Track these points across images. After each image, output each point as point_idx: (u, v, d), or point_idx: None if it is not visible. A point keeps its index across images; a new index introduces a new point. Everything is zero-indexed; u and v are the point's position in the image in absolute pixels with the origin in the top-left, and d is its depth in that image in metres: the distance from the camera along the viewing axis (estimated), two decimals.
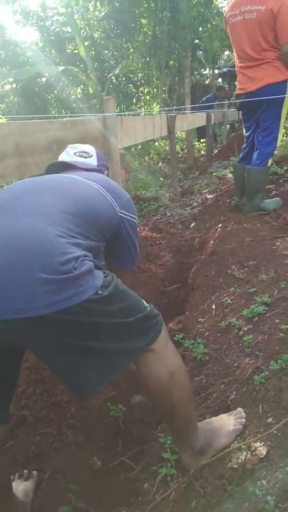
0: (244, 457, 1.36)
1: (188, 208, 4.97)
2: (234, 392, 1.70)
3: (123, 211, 1.54)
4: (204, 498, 1.32)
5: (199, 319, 2.39)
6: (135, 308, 1.26)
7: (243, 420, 1.52)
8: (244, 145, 3.65)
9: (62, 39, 11.52)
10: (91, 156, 1.83)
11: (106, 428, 2.00)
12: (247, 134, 3.57)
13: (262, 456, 1.33)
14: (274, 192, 3.86)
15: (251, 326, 2.01)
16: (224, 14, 3.46)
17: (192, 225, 4.24)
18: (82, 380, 1.21)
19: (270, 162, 3.39)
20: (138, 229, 1.65)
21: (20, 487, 1.64)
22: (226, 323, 2.13)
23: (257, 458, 1.33)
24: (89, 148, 1.87)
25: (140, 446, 1.91)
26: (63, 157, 1.81)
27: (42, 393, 1.99)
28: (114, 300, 1.17)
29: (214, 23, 11.73)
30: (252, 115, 3.42)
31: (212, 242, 3.28)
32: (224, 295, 2.39)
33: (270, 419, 1.47)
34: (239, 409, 1.57)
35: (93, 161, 1.81)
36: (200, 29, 12.03)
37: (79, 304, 1.06)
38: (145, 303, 1.32)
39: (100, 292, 1.12)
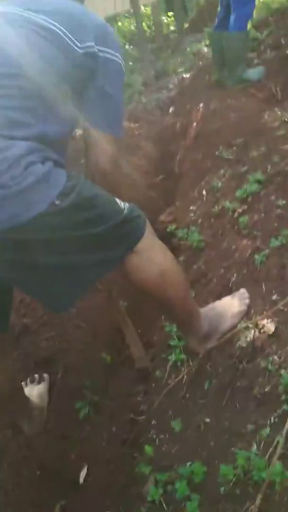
0: (253, 335, 1.36)
1: (164, 91, 4.62)
2: (235, 274, 1.67)
3: (95, 46, 1.12)
4: (216, 378, 1.34)
5: (191, 207, 2.30)
6: (106, 216, 1.09)
7: (247, 300, 1.50)
8: (219, 11, 3.27)
9: None
10: None
11: (110, 324, 2.01)
12: None
13: (270, 333, 1.32)
14: (256, 61, 3.55)
15: (245, 207, 1.93)
16: None
17: (171, 109, 3.96)
18: (54, 296, 1.14)
19: (249, 25, 3.06)
20: (123, 74, 1.22)
21: (34, 391, 1.67)
22: (219, 208, 2.04)
23: (266, 335, 1.33)
24: None
25: (146, 337, 1.94)
26: None
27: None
28: (78, 210, 1.02)
29: None
30: None
31: (195, 124, 3.07)
32: (215, 178, 2.28)
33: (275, 296, 1.45)
34: (242, 289, 1.55)
35: None
36: None
37: (30, 220, 0.94)
38: (121, 205, 1.15)
39: (57, 202, 0.97)
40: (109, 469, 1.56)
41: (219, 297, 1.64)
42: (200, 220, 2.13)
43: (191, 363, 1.47)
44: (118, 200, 1.16)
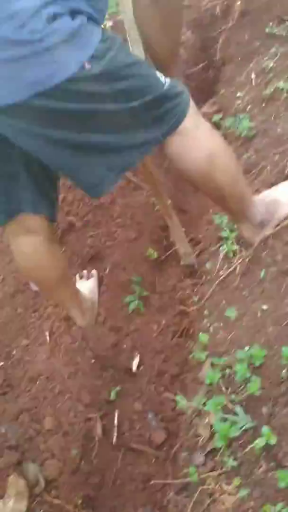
0: None
1: None
2: None
3: None
4: (274, 266, 1.28)
5: (238, 94, 2.09)
6: (143, 89, 0.97)
7: None
8: None
9: None
10: None
11: (155, 222, 1.95)
12: None
13: None
14: None
15: None
16: None
17: None
18: (87, 179, 1.06)
19: None
20: None
21: (84, 286, 1.67)
22: (272, 90, 1.84)
23: None
24: None
25: (193, 234, 1.88)
26: None
27: (83, 198, 1.90)
28: (111, 78, 0.90)
29: None
30: None
31: (238, 6, 2.73)
32: (265, 58, 2.05)
33: None
34: None
35: None
36: None
37: (56, 86, 0.83)
38: (161, 78, 1.02)
39: (88, 66, 0.85)
40: (161, 358, 1.59)
41: (273, 185, 1.53)
42: (249, 107, 1.95)
43: (244, 253, 1.40)
44: (158, 73, 1.03)
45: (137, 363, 1.57)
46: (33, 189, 1.16)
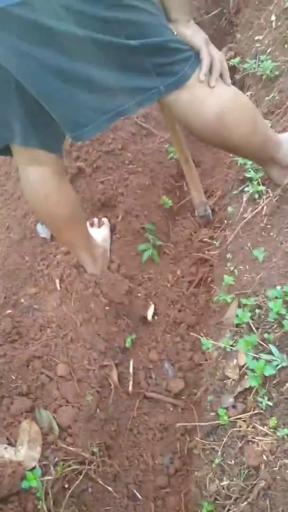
0: None
1: None
2: None
3: None
4: None
5: (256, 37, 1.97)
6: (149, 29, 0.90)
7: None
8: None
9: None
10: None
11: (168, 171, 1.86)
12: None
13: None
14: None
15: None
16: None
17: None
18: (71, 115, 0.96)
19: None
20: None
21: (95, 234, 1.58)
22: None
23: None
24: None
25: (209, 183, 1.79)
26: None
27: (92, 143, 1.79)
28: (112, 3, 0.83)
29: None
30: None
31: None
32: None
33: None
34: None
35: None
36: None
37: None
38: (172, 31, 0.94)
39: None
40: (177, 307, 1.52)
41: None
42: (270, 49, 1.83)
43: (271, 194, 1.32)
44: (170, 26, 0.97)
45: (152, 313, 1.50)
46: (24, 119, 1.03)
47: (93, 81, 0.91)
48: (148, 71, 0.94)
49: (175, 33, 0.99)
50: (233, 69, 1.94)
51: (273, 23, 1.94)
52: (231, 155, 1.60)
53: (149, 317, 1.48)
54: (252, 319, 1.07)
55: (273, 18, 1.97)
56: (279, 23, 1.91)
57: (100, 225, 1.63)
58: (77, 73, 0.89)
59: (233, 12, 2.54)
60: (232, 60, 1.98)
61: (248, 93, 1.78)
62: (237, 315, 1.09)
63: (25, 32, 0.83)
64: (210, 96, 1.02)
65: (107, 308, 1.43)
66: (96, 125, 0.98)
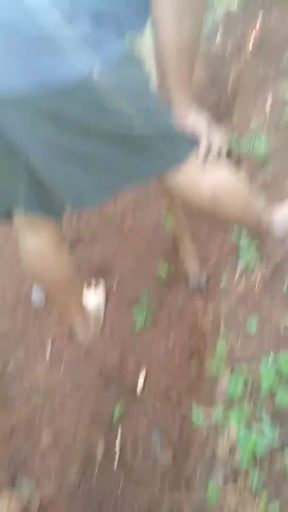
0: None
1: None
2: None
3: None
4: None
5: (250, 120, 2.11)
6: (150, 120, 0.93)
7: None
8: None
9: None
10: None
11: (164, 240, 1.90)
12: None
13: None
14: None
15: None
16: None
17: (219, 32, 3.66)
18: (71, 188, 1.00)
19: None
20: None
21: (90, 296, 1.58)
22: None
23: None
24: None
25: (205, 252, 1.82)
26: None
27: (91, 211, 1.85)
28: (118, 93, 0.86)
29: None
30: None
31: (252, 42, 2.82)
32: (283, 88, 2.07)
33: None
34: None
35: None
36: None
37: (60, 83, 0.80)
38: (171, 117, 1.00)
39: (96, 74, 0.81)
40: (169, 375, 1.49)
41: None
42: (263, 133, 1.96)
43: (266, 262, 1.34)
44: (169, 111, 1.02)
45: (143, 381, 1.46)
46: (28, 186, 1.06)
47: (99, 163, 0.96)
48: (147, 155, 0.98)
49: (175, 115, 1.04)
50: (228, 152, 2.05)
51: (267, 107, 2.09)
52: None
53: (140, 385, 1.45)
54: (245, 392, 1.05)
55: (268, 102, 2.13)
56: (274, 109, 2.06)
57: (96, 285, 1.64)
58: (86, 156, 0.93)
59: (232, 96, 2.72)
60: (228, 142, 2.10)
61: (243, 173, 1.86)
62: (229, 387, 1.06)
63: (38, 113, 0.86)
64: (206, 179, 1.06)
65: (97, 375, 1.40)
66: (95, 199, 1.03)
